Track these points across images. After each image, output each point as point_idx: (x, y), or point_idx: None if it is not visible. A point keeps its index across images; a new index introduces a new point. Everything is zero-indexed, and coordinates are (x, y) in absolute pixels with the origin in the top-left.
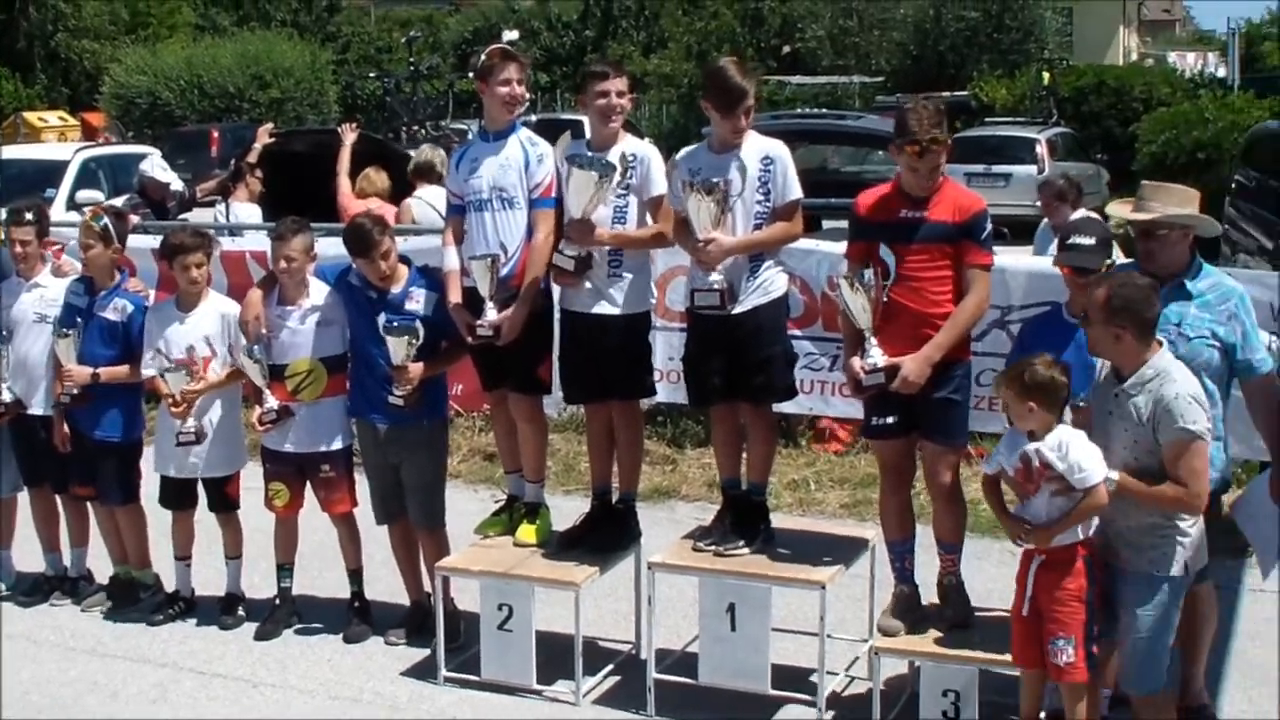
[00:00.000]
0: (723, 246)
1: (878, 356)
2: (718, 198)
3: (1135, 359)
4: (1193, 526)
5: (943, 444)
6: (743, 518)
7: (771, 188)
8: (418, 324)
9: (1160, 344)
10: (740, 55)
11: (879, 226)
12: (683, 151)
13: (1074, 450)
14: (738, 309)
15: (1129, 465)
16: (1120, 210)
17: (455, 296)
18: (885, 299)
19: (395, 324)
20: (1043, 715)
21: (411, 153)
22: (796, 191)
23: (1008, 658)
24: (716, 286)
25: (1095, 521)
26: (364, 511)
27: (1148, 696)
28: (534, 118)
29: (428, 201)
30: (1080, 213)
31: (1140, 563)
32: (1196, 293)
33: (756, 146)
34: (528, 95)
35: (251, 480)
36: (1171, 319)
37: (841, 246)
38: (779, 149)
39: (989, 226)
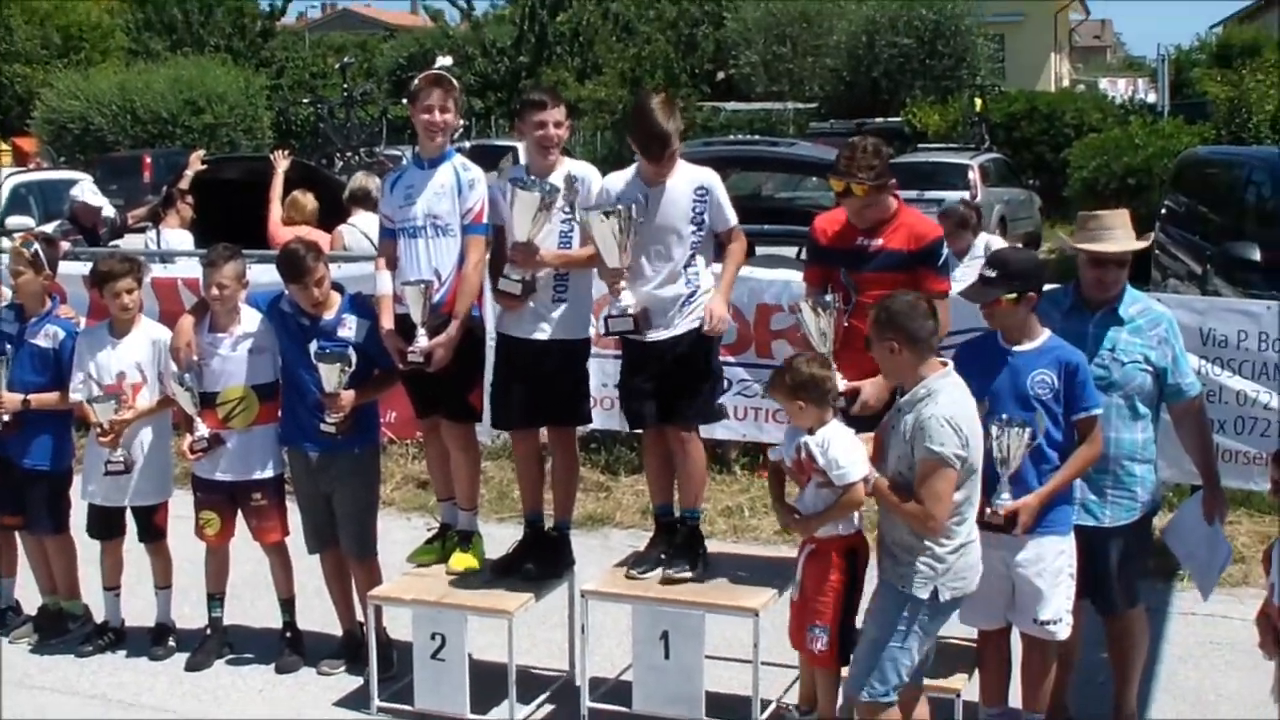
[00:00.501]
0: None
1: (837, 381)
2: (619, 222)
3: (911, 374)
4: (952, 553)
5: None
6: (681, 543)
7: (707, 218)
8: (350, 351)
9: (945, 364)
10: (674, 81)
11: (837, 253)
12: (611, 176)
13: (834, 448)
14: (666, 333)
15: (895, 478)
16: (1087, 244)
17: (387, 322)
18: (845, 324)
19: (327, 350)
20: None
21: (344, 179)
22: (733, 217)
23: (954, 684)
24: (630, 311)
25: (856, 519)
26: (296, 540)
27: (866, 703)
28: (468, 144)
29: (361, 229)
30: (984, 238)
31: (892, 574)
32: (1128, 318)
33: (687, 177)
34: (456, 122)
35: (181, 509)
36: (1105, 344)
37: (776, 273)
38: (709, 177)
39: (945, 253)
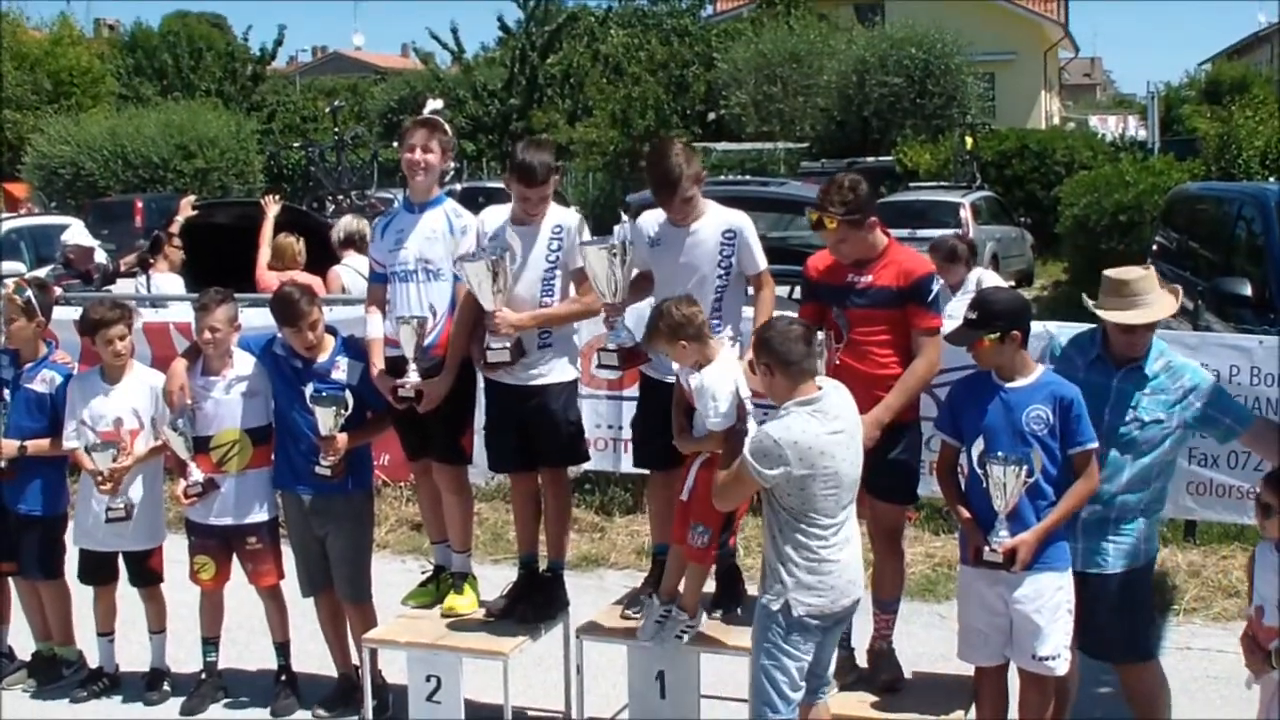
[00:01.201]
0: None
1: None
2: (613, 257)
3: (786, 396)
4: (802, 568)
5: (892, 503)
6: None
7: (734, 260)
8: (346, 393)
9: (818, 388)
10: (665, 123)
11: (827, 289)
12: (645, 215)
13: (708, 394)
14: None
15: None
16: (1119, 316)
17: (378, 363)
18: (836, 361)
19: (324, 394)
20: None
21: (335, 222)
22: (763, 261)
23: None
24: (611, 346)
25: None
26: (290, 584)
27: None
28: (459, 186)
29: (355, 269)
30: (977, 273)
31: (759, 591)
32: (1152, 374)
33: (717, 219)
34: (440, 164)
35: (173, 553)
36: (1129, 403)
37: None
38: (739, 220)
39: (935, 289)
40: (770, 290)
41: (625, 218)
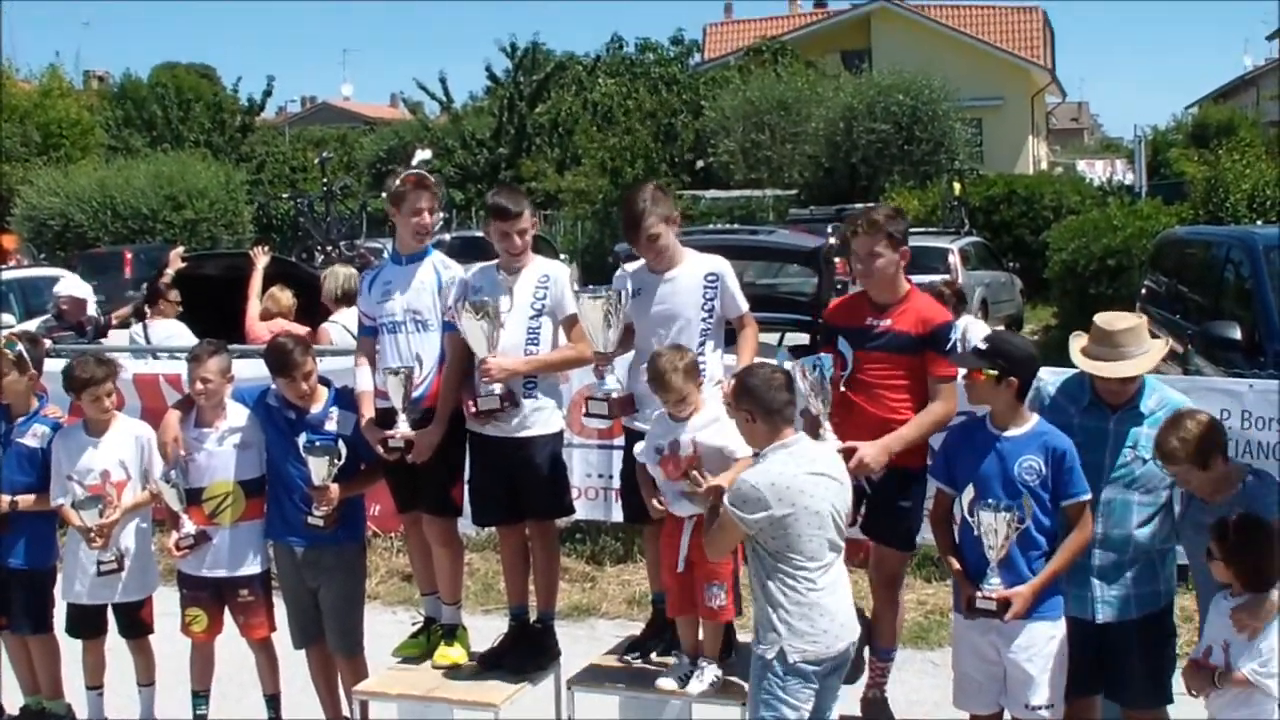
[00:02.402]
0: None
1: (832, 440)
2: (607, 306)
3: (765, 441)
4: (792, 615)
5: (894, 549)
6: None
7: (717, 304)
8: (339, 444)
9: (794, 433)
10: (654, 170)
11: (844, 330)
12: (628, 265)
13: (725, 428)
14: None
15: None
16: (1099, 369)
17: (368, 414)
18: (842, 389)
19: (317, 444)
20: None
21: (323, 273)
22: (744, 304)
23: None
24: (600, 395)
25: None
26: (281, 635)
27: None
28: (448, 236)
29: (344, 325)
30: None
31: (753, 643)
32: (1148, 411)
33: (696, 265)
34: (436, 222)
35: (163, 605)
36: (1127, 441)
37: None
38: (720, 265)
39: (953, 338)
40: (753, 330)
41: (624, 267)
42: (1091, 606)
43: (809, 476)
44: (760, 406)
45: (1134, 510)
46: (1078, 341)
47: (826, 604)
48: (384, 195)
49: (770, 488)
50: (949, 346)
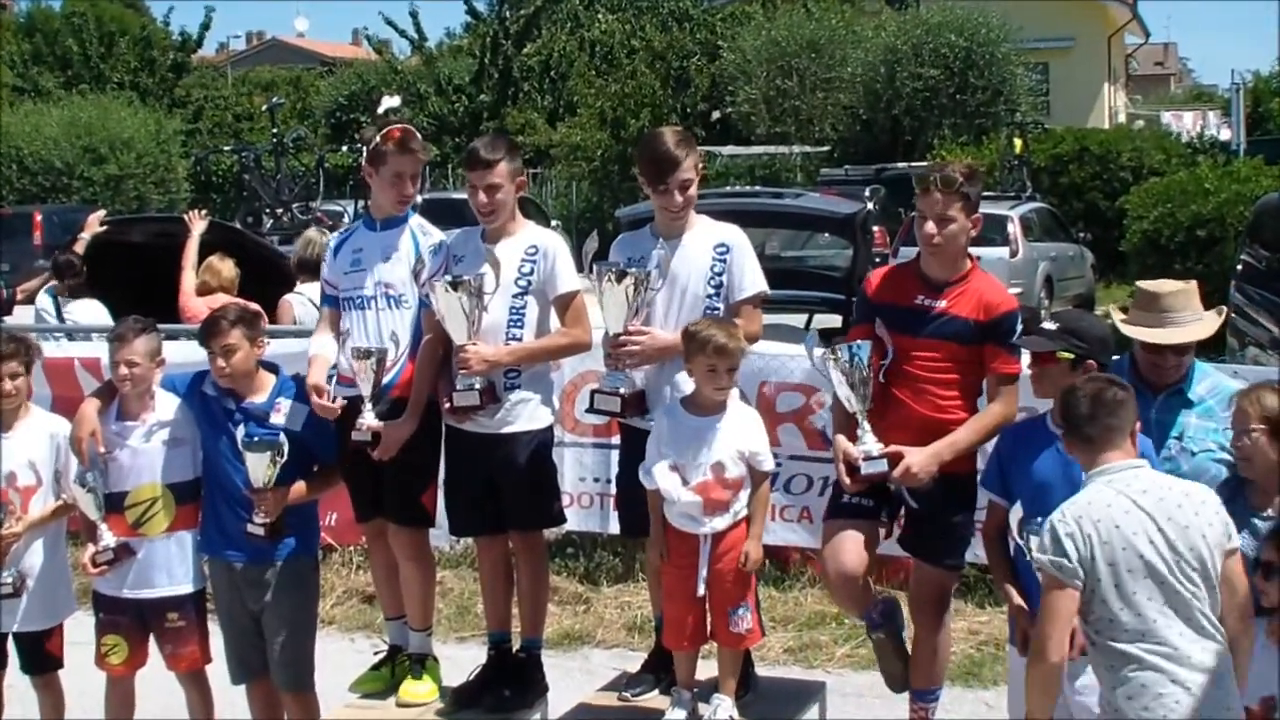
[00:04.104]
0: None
1: (871, 444)
2: (631, 285)
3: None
4: None
5: (940, 567)
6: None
7: (726, 279)
8: (281, 437)
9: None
10: (662, 123)
11: (887, 309)
12: (624, 236)
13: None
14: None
15: None
16: (1139, 333)
17: (318, 376)
18: (882, 380)
19: (255, 439)
20: None
21: (273, 240)
22: (756, 284)
23: None
24: (609, 389)
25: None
26: (218, 668)
27: None
28: (421, 197)
29: (309, 298)
30: None
31: None
32: (1197, 399)
33: (707, 232)
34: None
35: (76, 632)
36: (1172, 431)
37: (782, 348)
38: (735, 235)
39: (1019, 329)
40: (755, 322)
41: (660, 242)
42: None
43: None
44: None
45: None
46: (1119, 313)
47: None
48: (361, 147)
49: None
50: (1014, 339)
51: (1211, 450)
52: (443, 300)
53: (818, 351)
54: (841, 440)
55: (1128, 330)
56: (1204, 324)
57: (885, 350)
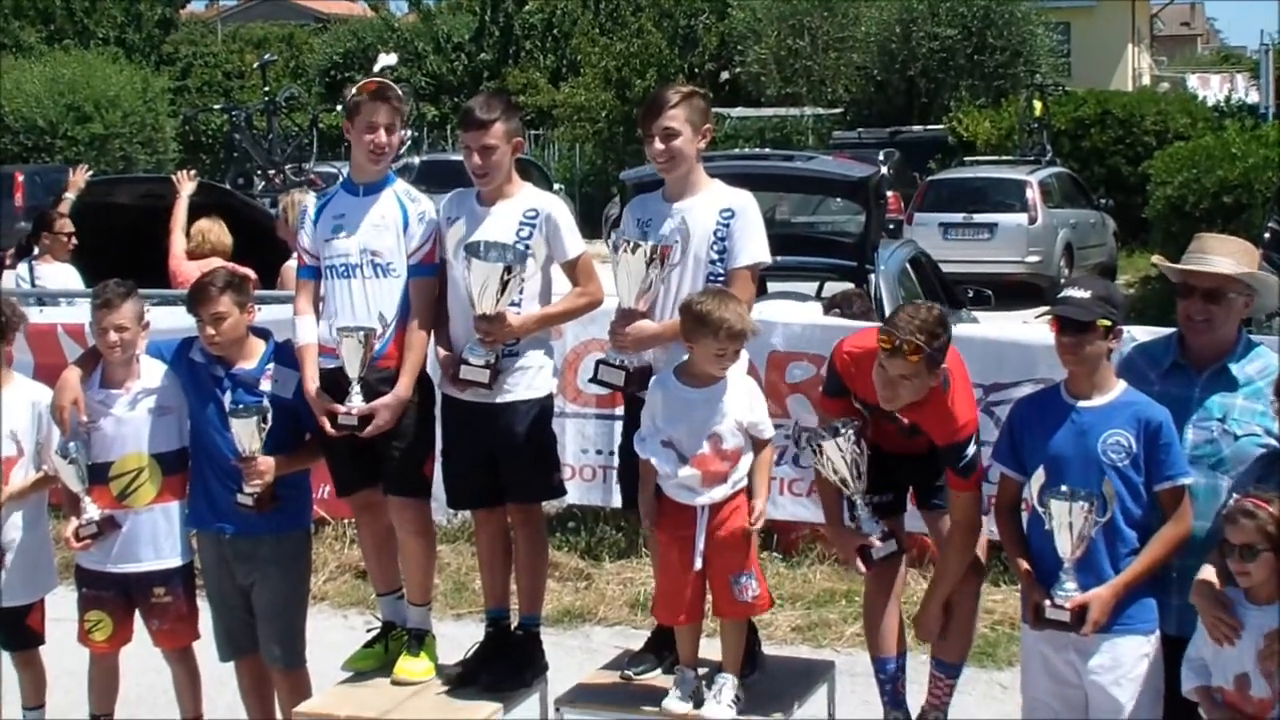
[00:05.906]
0: (641, 334)
1: (870, 524)
2: (652, 257)
3: None
4: None
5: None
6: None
7: (729, 245)
8: (265, 402)
9: None
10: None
11: (859, 399)
12: (640, 199)
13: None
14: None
15: None
16: (1189, 263)
17: (312, 375)
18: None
19: (241, 406)
20: None
21: (264, 203)
22: (755, 254)
23: None
24: (616, 361)
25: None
26: (206, 645)
27: None
28: (418, 159)
29: None
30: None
31: None
32: (1244, 379)
33: (715, 196)
34: (402, 141)
35: (58, 608)
36: (1215, 412)
37: (791, 314)
38: (744, 201)
39: (970, 453)
40: (747, 292)
41: (676, 213)
42: (1167, 618)
43: None
44: None
45: (1221, 499)
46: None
47: None
48: (339, 108)
49: None
50: (964, 463)
51: (1256, 434)
52: (478, 273)
53: (823, 443)
54: (838, 526)
55: (1159, 262)
56: (1252, 262)
57: (865, 421)
